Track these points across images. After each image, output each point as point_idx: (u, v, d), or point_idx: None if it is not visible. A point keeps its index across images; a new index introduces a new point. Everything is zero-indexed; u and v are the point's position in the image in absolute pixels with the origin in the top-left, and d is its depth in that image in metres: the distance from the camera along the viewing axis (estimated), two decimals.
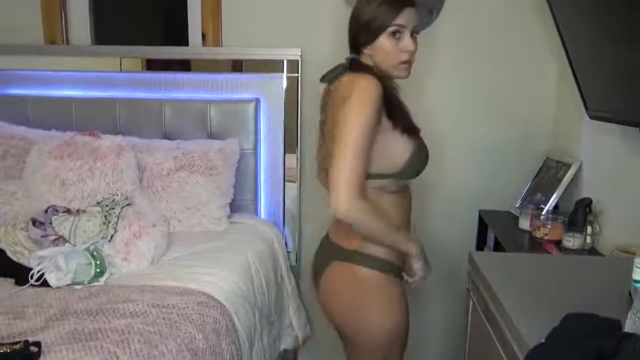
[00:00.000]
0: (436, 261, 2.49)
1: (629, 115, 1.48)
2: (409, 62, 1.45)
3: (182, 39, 2.54)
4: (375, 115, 1.34)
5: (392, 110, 1.39)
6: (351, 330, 1.54)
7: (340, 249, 1.51)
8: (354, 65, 1.45)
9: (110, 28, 2.71)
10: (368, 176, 1.39)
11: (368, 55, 1.46)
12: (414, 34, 1.44)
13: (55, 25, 2.53)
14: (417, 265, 1.50)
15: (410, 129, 1.43)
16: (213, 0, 2.42)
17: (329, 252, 1.55)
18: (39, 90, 2.47)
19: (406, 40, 1.42)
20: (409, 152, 1.43)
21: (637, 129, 1.51)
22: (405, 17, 1.41)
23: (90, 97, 2.44)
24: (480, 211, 2.35)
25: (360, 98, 1.34)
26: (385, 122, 1.39)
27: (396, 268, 1.52)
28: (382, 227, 1.39)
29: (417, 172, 1.49)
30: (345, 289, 1.51)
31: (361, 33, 1.44)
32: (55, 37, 2.53)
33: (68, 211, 1.99)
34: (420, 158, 1.46)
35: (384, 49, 1.42)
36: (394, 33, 1.41)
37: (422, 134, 1.51)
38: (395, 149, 1.42)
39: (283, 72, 2.36)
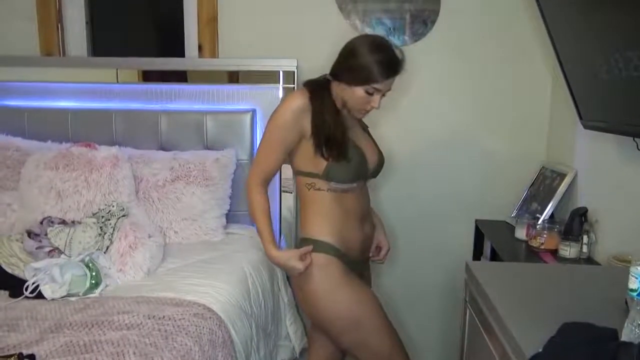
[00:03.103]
0: (433, 271, 2.51)
1: (623, 125, 1.49)
2: (368, 111, 1.65)
3: (178, 51, 2.55)
4: (290, 125, 1.61)
5: (312, 128, 1.61)
6: (313, 317, 1.71)
7: (300, 239, 1.73)
8: (311, 85, 1.67)
9: (107, 40, 2.71)
10: (300, 173, 1.69)
11: (338, 87, 1.62)
12: (388, 91, 1.63)
13: (51, 37, 2.54)
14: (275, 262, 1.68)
15: (329, 145, 1.61)
16: (210, 11, 2.43)
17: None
18: (35, 102, 2.47)
19: (375, 100, 1.60)
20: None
21: (632, 138, 1.52)
22: (386, 85, 1.59)
23: (86, 109, 2.44)
24: (476, 221, 2.35)
25: (277, 112, 1.64)
26: (309, 132, 1.61)
27: (341, 254, 1.66)
28: (255, 213, 1.68)
29: (347, 178, 1.65)
30: (299, 276, 1.66)
31: (346, 72, 1.60)
32: (52, 48, 2.54)
33: (63, 222, 1.98)
34: (338, 164, 1.61)
35: (356, 96, 1.60)
36: (369, 91, 1.58)
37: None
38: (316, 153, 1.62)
39: (279, 82, 2.37)
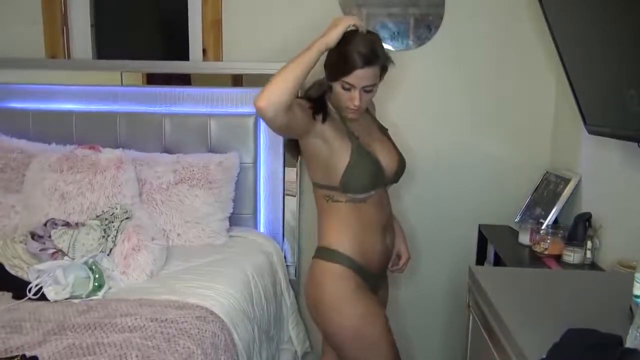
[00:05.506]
0: (436, 275, 2.51)
1: (628, 131, 1.48)
2: (355, 110, 1.59)
3: (182, 54, 2.55)
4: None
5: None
6: (319, 325, 1.68)
7: (317, 248, 1.69)
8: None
9: (112, 42, 2.72)
10: (317, 186, 1.67)
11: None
12: (369, 87, 1.56)
13: (57, 40, 2.55)
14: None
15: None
16: (214, 15, 2.44)
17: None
18: (39, 104, 2.48)
19: (352, 96, 1.56)
20: (342, 170, 1.59)
21: (637, 144, 1.51)
22: (356, 78, 1.53)
23: (90, 111, 2.45)
24: (480, 226, 2.34)
25: None
26: (322, 145, 1.59)
27: (358, 266, 1.63)
28: (289, 67, 1.45)
29: (364, 188, 1.62)
30: (311, 283, 1.67)
31: (326, 70, 1.60)
32: (57, 51, 2.55)
33: (67, 224, 1.99)
34: (355, 175, 1.59)
35: (336, 93, 1.59)
36: (344, 87, 1.55)
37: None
38: (333, 164, 1.60)
39: None
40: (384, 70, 1.59)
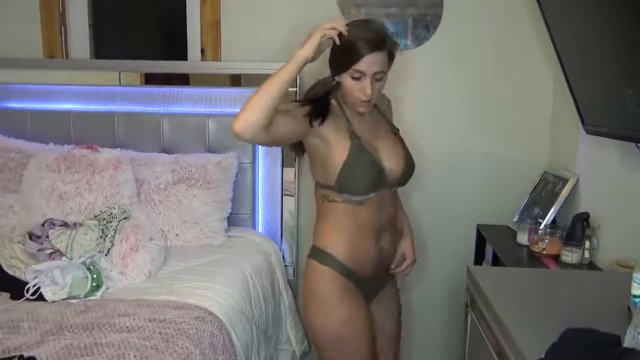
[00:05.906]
0: (434, 275, 2.51)
1: (626, 131, 1.49)
2: (367, 102, 1.55)
3: (181, 54, 2.55)
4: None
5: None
6: (305, 324, 1.69)
7: (311, 247, 1.67)
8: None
9: (110, 42, 2.72)
10: (316, 184, 1.65)
11: (340, 89, 1.59)
12: (379, 74, 1.52)
13: (55, 40, 2.54)
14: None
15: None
16: (212, 15, 2.44)
17: None
18: (37, 104, 2.47)
19: (363, 85, 1.51)
20: (338, 169, 1.56)
21: (635, 144, 1.52)
22: (366, 64, 1.49)
23: (89, 111, 2.44)
24: (478, 225, 2.34)
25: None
26: (321, 144, 1.57)
27: (349, 271, 1.60)
28: (265, 87, 1.42)
29: (361, 190, 1.58)
30: (305, 282, 1.66)
31: (331, 64, 1.57)
32: (55, 51, 2.54)
33: (65, 225, 1.98)
34: (351, 176, 1.55)
35: (345, 86, 1.55)
36: (354, 76, 1.51)
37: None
38: (331, 163, 1.57)
39: None
40: (391, 57, 1.56)
